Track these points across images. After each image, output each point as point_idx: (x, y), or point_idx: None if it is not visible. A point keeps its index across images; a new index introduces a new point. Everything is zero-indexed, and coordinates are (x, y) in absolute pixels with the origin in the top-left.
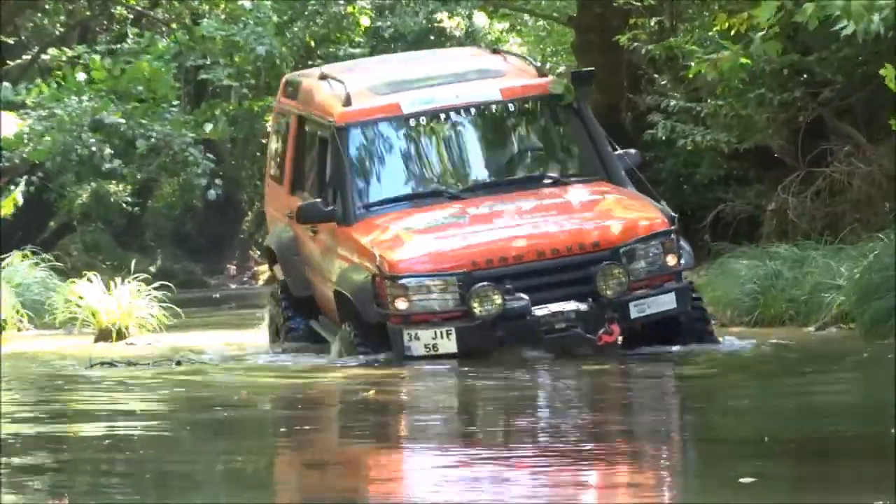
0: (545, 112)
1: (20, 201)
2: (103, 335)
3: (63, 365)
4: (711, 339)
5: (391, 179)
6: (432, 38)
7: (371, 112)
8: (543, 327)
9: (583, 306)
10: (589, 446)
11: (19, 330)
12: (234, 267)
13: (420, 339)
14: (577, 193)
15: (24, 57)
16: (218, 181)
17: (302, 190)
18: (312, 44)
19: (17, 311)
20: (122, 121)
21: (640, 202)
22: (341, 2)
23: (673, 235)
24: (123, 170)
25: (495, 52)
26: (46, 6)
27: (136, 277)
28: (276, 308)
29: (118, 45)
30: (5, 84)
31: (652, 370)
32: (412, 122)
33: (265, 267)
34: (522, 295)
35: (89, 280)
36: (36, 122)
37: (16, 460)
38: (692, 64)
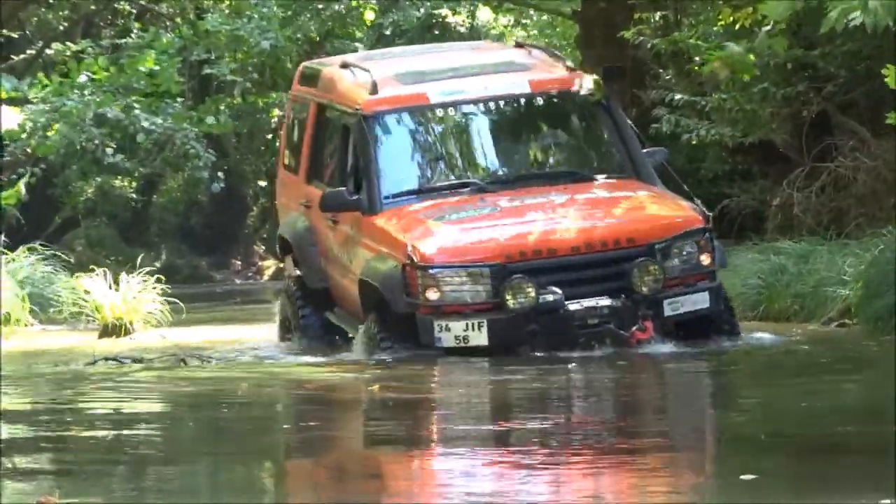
0: (574, 106)
1: (23, 192)
2: (108, 330)
3: (67, 361)
4: (735, 334)
5: (417, 169)
6: (436, 32)
7: (398, 100)
8: (577, 322)
9: (617, 302)
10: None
11: (24, 325)
12: (239, 262)
13: (451, 331)
14: (608, 189)
15: (29, 51)
16: (220, 174)
17: (319, 179)
18: (318, 38)
19: (23, 306)
20: (123, 115)
21: (673, 200)
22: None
23: (707, 234)
24: (126, 164)
25: (519, 45)
26: (50, 1)
27: (141, 272)
28: (289, 303)
29: (122, 40)
30: (6, 76)
31: (679, 367)
32: (439, 112)
33: (270, 262)
34: (556, 289)
35: (94, 275)
36: (39, 114)
37: (17, 459)
38: (698, 59)
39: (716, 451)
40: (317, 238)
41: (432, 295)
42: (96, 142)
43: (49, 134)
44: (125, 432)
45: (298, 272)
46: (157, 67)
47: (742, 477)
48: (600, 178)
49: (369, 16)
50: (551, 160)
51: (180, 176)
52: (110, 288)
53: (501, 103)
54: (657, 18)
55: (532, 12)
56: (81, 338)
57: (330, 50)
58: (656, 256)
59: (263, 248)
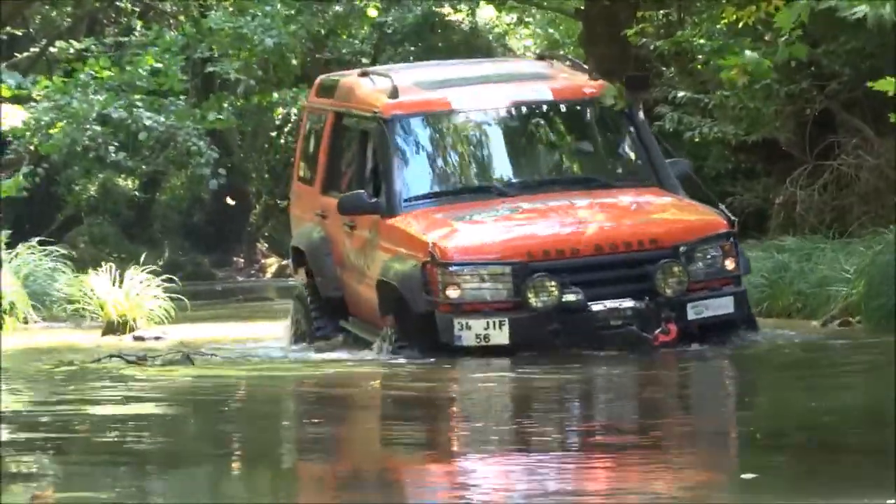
0: (596, 115)
1: (23, 182)
2: (111, 328)
3: (72, 359)
4: (754, 330)
5: (437, 173)
6: (440, 31)
7: (419, 105)
8: (599, 323)
9: (640, 304)
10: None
11: (26, 322)
12: (242, 260)
13: (471, 329)
14: (631, 195)
15: (32, 49)
16: (222, 170)
17: (336, 189)
18: (322, 32)
19: (26, 303)
20: (126, 114)
21: (696, 206)
22: None
23: (732, 239)
24: (128, 162)
25: (541, 58)
26: None
27: (144, 269)
28: (302, 311)
29: (126, 38)
30: (7, 72)
31: (700, 364)
32: (461, 118)
33: (272, 260)
34: (578, 289)
35: (98, 272)
36: (43, 113)
37: (17, 457)
38: (700, 57)
39: (725, 449)
40: (332, 247)
41: (453, 293)
42: (99, 140)
43: (52, 132)
44: (129, 430)
45: (312, 280)
46: (160, 65)
47: (743, 476)
48: (623, 186)
49: (372, 13)
50: (572, 167)
51: (183, 173)
52: (114, 285)
53: (523, 110)
54: (660, 16)
55: (535, 10)
56: (84, 335)
57: (333, 47)
58: (680, 259)
59: (266, 245)
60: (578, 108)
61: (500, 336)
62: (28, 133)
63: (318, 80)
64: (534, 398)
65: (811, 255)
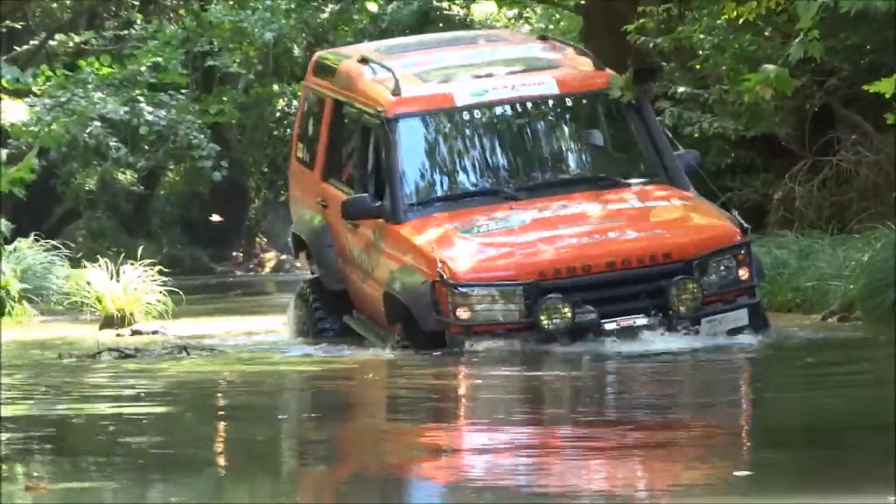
0: (604, 108)
1: (35, 163)
2: (109, 321)
3: (69, 352)
4: (766, 326)
5: (444, 176)
6: (440, 25)
7: (422, 103)
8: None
9: (654, 321)
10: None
11: (26, 315)
12: (241, 254)
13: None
14: (642, 198)
15: (32, 42)
16: (224, 163)
17: (336, 178)
18: (321, 28)
19: (24, 297)
20: (126, 110)
21: (708, 209)
22: None
23: (746, 248)
24: (129, 159)
25: (543, 38)
26: None
27: (142, 263)
28: (305, 307)
29: (125, 31)
30: (12, 67)
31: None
32: (465, 115)
33: (271, 254)
34: (591, 308)
35: (96, 266)
36: (44, 111)
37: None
38: (700, 54)
39: (720, 446)
40: (334, 238)
41: (463, 314)
42: (101, 137)
43: (53, 126)
44: (125, 424)
45: (314, 274)
46: (159, 58)
47: (735, 473)
48: (631, 182)
49: (372, 7)
50: (581, 164)
51: (182, 167)
52: (111, 279)
53: (529, 105)
54: (660, 12)
55: (535, 5)
56: (82, 329)
57: (333, 40)
58: (694, 273)
59: (265, 240)
60: (586, 101)
61: None
62: (28, 129)
63: (315, 58)
64: (537, 395)
65: (810, 251)
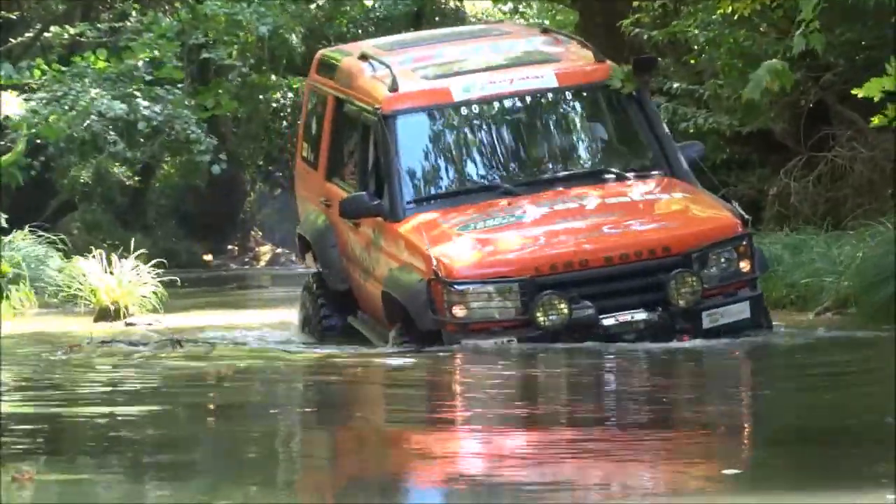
0: (604, 100)
1: (22, 149)
2: (103, 314)
3: (63, 344)
4: (769, 328)
5: (441, 172)
6: (437, 19)
7: (419, 99)
8: (611, 339)
9: (653, 316)
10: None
11: (17, 307)
12: (237, 247)
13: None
14: (642, 190)
15: (27, 35)
16: (223, 156)
17: (339, 177)
18: (317, 22)
19: (19, 290)
20: (124, 108)
21: (709, 201)
22: None
23: (747, 240)
24: (127, 153)
25: (545, 31)
26: None
27: (137, 256)
28: (312, 303)
29: (121, 24)
30: (6, 64)
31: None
32: (463, 111)
33: (266, 248)
34: (588, 303)
35: (91, 258)
36: (42, 106)
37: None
38: (696, 48)
39: (714, 443)
40: (338, 238)
41: (459, 312)
42: (97, 130)
43: (51, 119)
44: (117, 416)
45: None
46: (156, 52)
47: (724, 472)
48: (633, 175)
49: (367, 0)
50: (580, 157)
51: (177, 160)
52: (106, 271)
53: (528, 98)
54: (656, 7)
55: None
56: (76, 321)
57: (331, 33)
58: (693, 266)
59: (260, 233)
60: (586, 93)
61: None
62: (26, 122)
63: (318, 56)
64: (536, 385)
65: (804, 247)
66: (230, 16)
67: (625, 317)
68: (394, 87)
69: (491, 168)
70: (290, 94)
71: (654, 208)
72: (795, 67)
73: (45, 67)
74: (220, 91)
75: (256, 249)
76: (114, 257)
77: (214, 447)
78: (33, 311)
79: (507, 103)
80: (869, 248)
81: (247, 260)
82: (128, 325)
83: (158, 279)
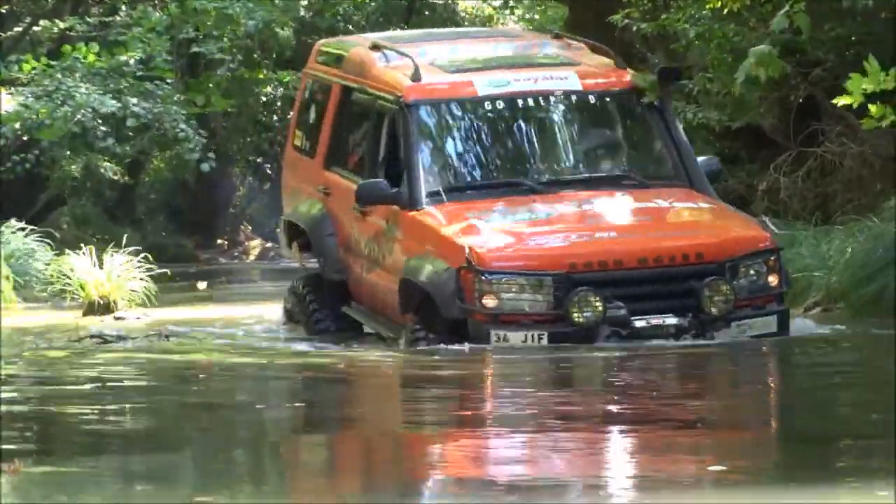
0: (626, 107)
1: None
2: (92, 308)
3: (51, 338)
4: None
5: (464, 165)
6: (427, 13)
7: (443, 90)
8: (642, 340)
9: (684, 322)
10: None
11: (7, 302)
12: (226, 241)
13: (509, 342)
14: (667, 198)
15: (16, 28)
16: (211, 154)
17: (341, 166)
18: (307, 17)
19: (8, 282)
20: (117, 105)
21: (736, 214)
22: None
23: (776, 254)
24: (117, 148)
25: (557, 36)
26: None
27: (126, 251)
28: (298, 304)
29: (110, 18)
30: None
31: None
32: (487, 105)
33: (256, 242)
34: (620, 304)
35: (80, 253)
36: (33, 100)
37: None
38: (684, 42)
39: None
40: (337, 227)
41: (489, 302)
42: (88, 125)
43: (42, 114)
44: (105, 410)
45: (305, 265)
46: (147, 47)
47: (710, 468)
48: (652, 184)
49: None
50: (602, 163)
51: (167, 155)
52: (95, 266)
53: (552, 99)
54: (646, 1)
55: None
56: (66, 316)
57: (323, 26)
58: (726, 275)
59: (250, 227)
60: (609, 98)
61: None
62: (19, 123)
63: (318, 45)
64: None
65: (794, 242)
66: (220, 10)
67: (656, 320)
68: (416, 77)
69: (512, 164)
70: (280, 88)
71: (683, 216)
72: (785, 62)
73: (35, 63)
74: (210, 86)
75: (246, 244)
76: (105, 255)
77: (200, 443)
78: (22, 305)
79: (531, 102)
80: (858, 243)
81: (236, 254)
82: (117, 318)
83: (148, 273)
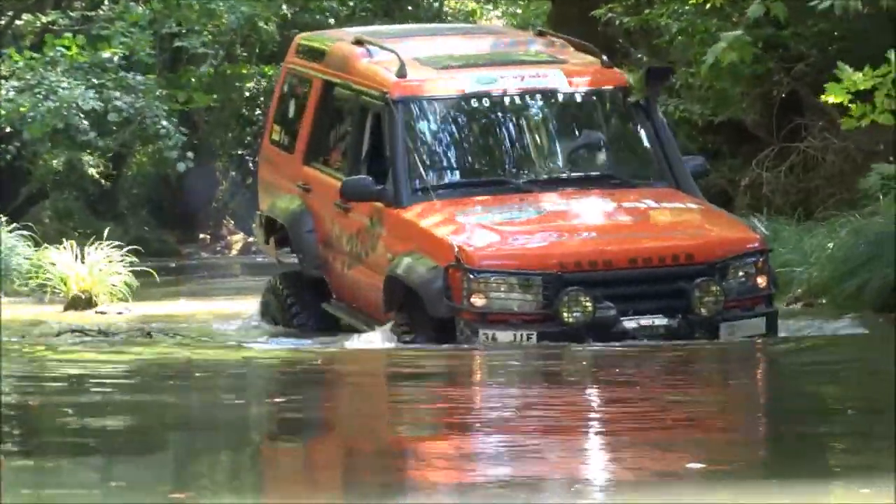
0: (612, 106)
1: None
2: (74, 303)
3: (32, 332)
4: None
5: (449, 162)
6: (409, 8)
7: (430, 86)
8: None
9: (673, 322)
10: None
11: None
12: (208, 236)
13: (497, 341)
14: (655, 198)
15: None
16: (190, 154)
17: (321, 161)
18: (289, 14)
19: None
20: (99, 102)
21: (724, 215)
22: None
23: (765, 256)
24: (99, 142)
25: (541, 34)
26: None
27: (108, 245)
28: (276, 302)
29: (93, 12)
30: None
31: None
32: (474, 103)
33: (238, 237)
34: (610, 304)
35: (61, 247)
36: (17, 94)
37: None
38: (667, 37)
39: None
40: (316, 223)
41: (478, 301)
42: (69, 120)
43: (23, 108)
44: (87, 406)
45: (281, 261)
46: (129, 41)
47: (688, 465)
48: (639, 184)
49: None
50: (589, 162)
51: (148, 149)
52: (76, 260)
53: (538, 97)
54: None
55: None
56: (46, 310)
57: (308, 20)
58: (716, 276)
59: (232, 222)
60: (595, 97)
61: None
62: (3, 116)
63: (297, 40)
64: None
65: (776, 237)
66: (203, 4)
67: (646, 321)
68: (402, 73)
69: (497, 162)
70: (264, 83)
71: (672, 216)
72: (768, 57)
73: (18, 57)
74: (192, 80)
75: (228, 238)
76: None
77: (178, 441)
78: (2, 299)
79: (518, 100)
80: (839, 238)
81: (218, 249)
82: (98, 313)
83: (130, 269)
